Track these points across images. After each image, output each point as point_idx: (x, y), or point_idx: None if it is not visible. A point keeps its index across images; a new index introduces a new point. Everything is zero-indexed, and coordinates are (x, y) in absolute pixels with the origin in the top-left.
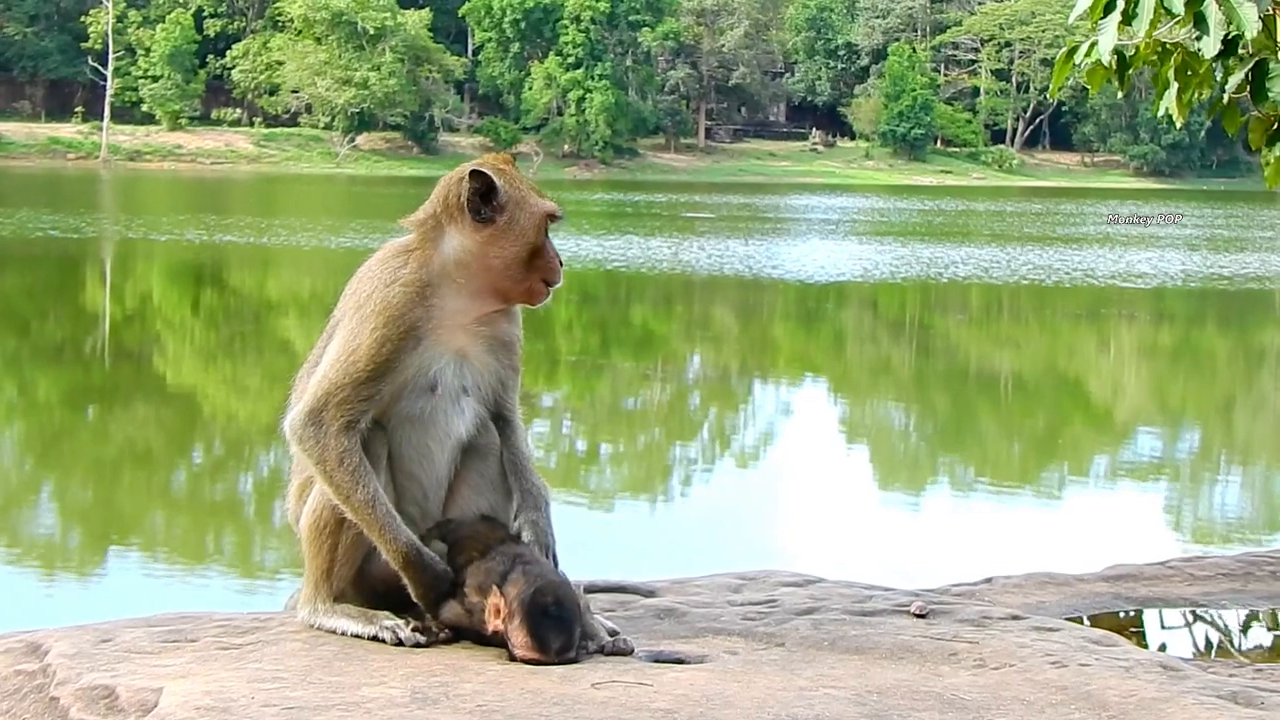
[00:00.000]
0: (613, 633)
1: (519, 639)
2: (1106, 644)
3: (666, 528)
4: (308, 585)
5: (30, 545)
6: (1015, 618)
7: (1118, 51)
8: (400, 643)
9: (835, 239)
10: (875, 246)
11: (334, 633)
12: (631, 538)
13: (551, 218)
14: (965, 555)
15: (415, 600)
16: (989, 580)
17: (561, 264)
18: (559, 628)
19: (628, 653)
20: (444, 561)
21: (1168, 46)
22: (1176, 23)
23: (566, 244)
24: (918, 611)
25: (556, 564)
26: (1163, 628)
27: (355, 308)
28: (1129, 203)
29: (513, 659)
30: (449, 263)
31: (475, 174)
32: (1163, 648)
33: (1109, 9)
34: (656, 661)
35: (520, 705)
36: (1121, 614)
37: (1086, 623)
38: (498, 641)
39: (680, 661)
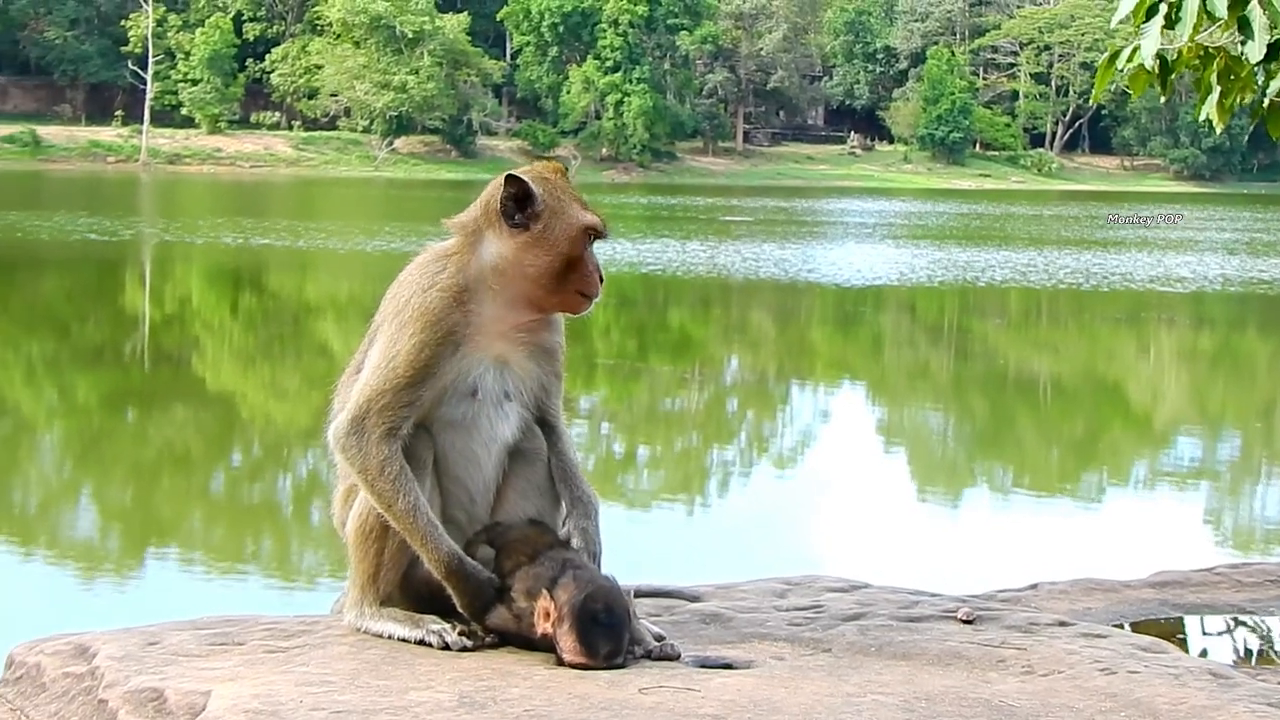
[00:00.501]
0: (659, 638)
1: (568, 644)
2: (1155, 651)
3: (707, 532)
4: (354, 589)
5: (71, 547)
6: (1063, 624)
7: (1160, 55)
8: (447, 647)
9: (873, 243)
10: (913, 250)
11: (380, 636)
12: (673, 542)
13: (593, 232)
14: (1009, 561)
15: (460, 609)
16: (1035, 586)
17: (601, 278)
18: (608, 634)
19: (674, 658)
20: (488, 569)
21: (1210, 50)
22: (1219, 26)
23: (603, 248)
24: (965, 617)
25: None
26: (1205, 634)
27: (394, 313)
28: (1159, 205)
29: (560, 663)
30: (487, 269)
31: (511, 179)
32: (1204, 654)
33: (1152, 13)
34: (703, 667)
35: (567, 710)
36: (1164, 620)
37: (1128, 629)
38: (544, 645)
39: (727, 667)
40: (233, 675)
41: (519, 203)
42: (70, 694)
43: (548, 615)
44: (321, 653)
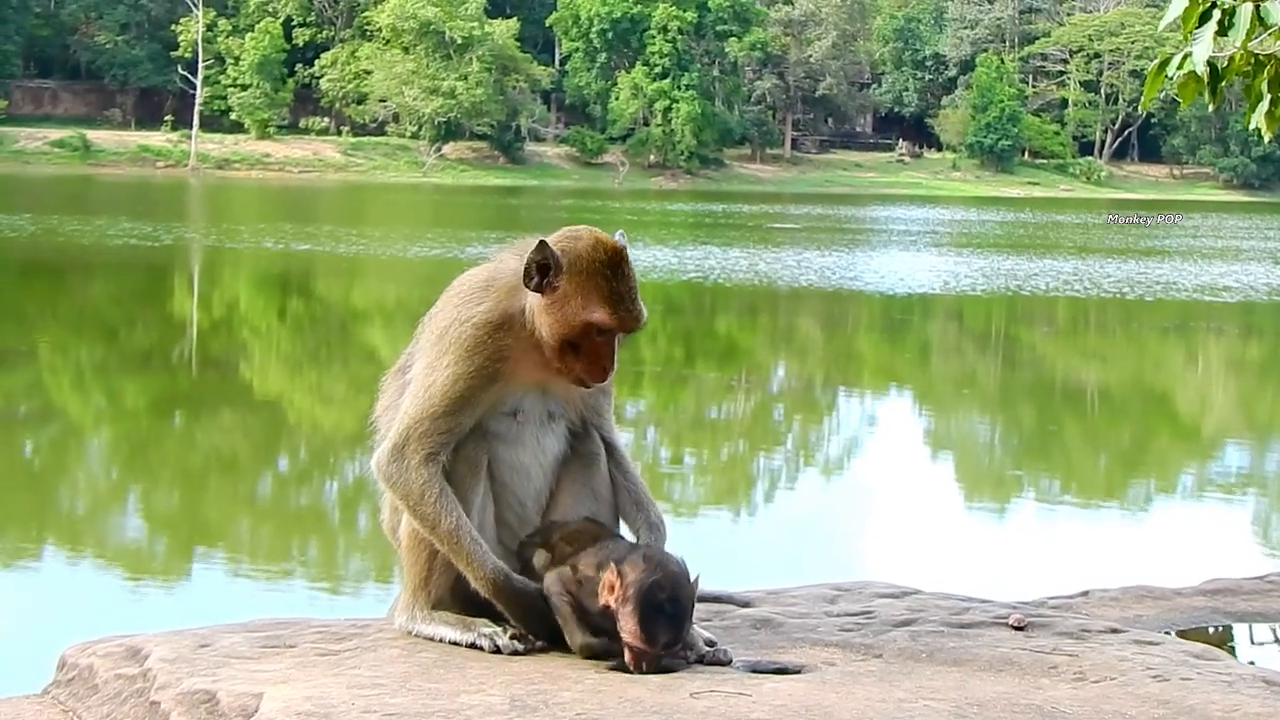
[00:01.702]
0: (710, 642)
1: (628, 625)
2: (1207, 658)
3: (756, 538)
4: (406, 592)
5: (121, 551)
6: (1115, 631)
7: (1210, 63)
8: (498, 650)
9: (920, 250)
10: (960, 258)
11: (432, 640)
12: (722, 548)
13: (600, 329)
14: (1059, 567)
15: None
16: (1086, 593)
17: (609, 367)
18: (670, 624)
19: (726, 663)
20: (539, 577)
21: (1261, 58)
22: (1270, 34)
23: (649, 255)
24: (1016, 624)
25: None
26: (1257, 642)
27: (436, 338)
28: (1206, 214)
29: (608, 657)
30: (522, 310)
31: (540, 245)
32: (1254, 662)
33: (1204, 19)
34: (754, 672)
35: (619, 714)
36: (1212, 629)
37: (1175, 636)
38: (596, 618)
39: (779, 672)
40: (285, 678)
41: (541, 269)
42: (122, 695)
43: (612, 589)
44: (373, 655)
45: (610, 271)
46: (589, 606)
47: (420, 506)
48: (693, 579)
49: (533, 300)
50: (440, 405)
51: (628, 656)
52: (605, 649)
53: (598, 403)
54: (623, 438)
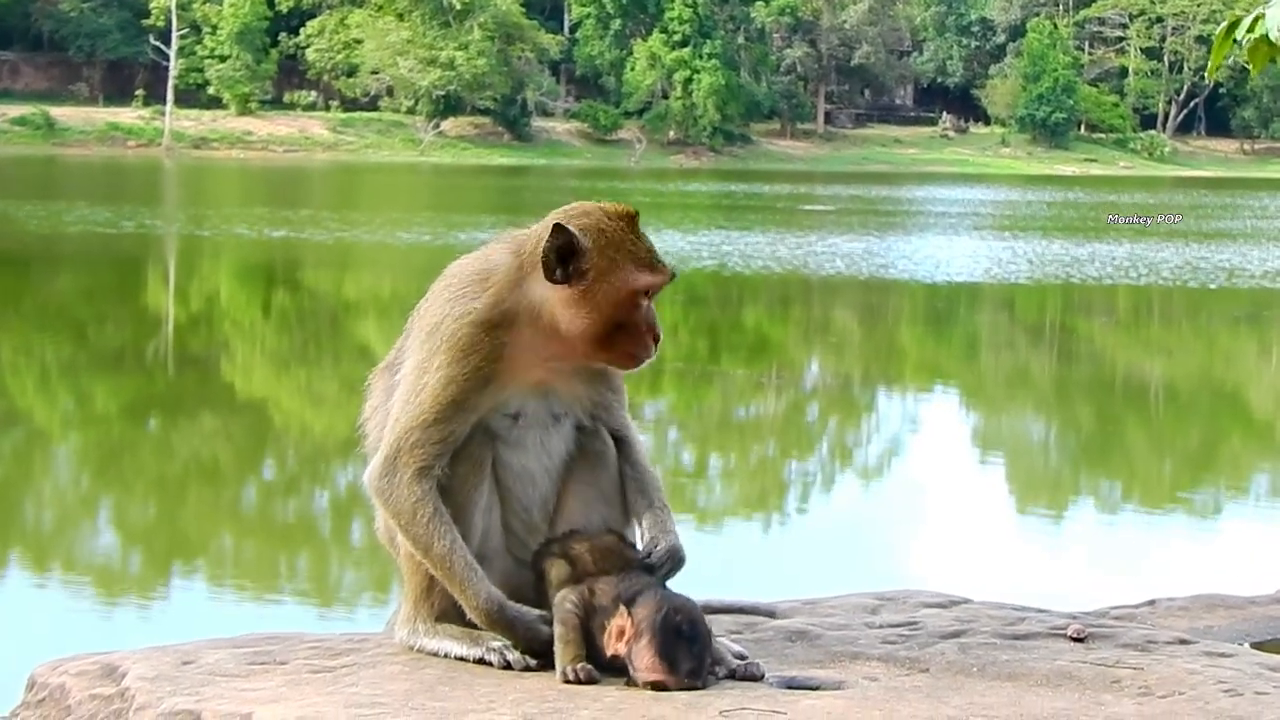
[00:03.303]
0: (740, 656)
1: (645, 660)
2: None
3: (790, 546)
4: (406, 604)
5: (92, 566)
6: (1183, 642)
7: None
8: (508, 665)
9: (966, 234)
10: (1010, 242)
11: (436, 655)
12: (753, 557)
13: (644, 292)
14: (1122, 576)
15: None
16: (1151, 602)
17: (658, 337)
18: (690, 650)
19: (758, 678)
20: (534, 609)
21: None
22: None
23: (669, 240)
24: (1075, 635)
25: None
26: None
27: (426, 334)
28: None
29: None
30: (527, 307)
31: (558, 229)
32: None
33: None
34: (789, 688)
35: None
36: None
37: (1249, 647)
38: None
39: (815, 688)
40: (275, 696)
41: (563, 255)
42: (97, 717)
43: (622, 634)
44: (372, 672)
45: (635, 234)
46: (593, 631)
47: (412, 527)
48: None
49: (551, 294)
50: (431, 412)
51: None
52: (590, 677)
53: (605, 399)
54: (641, 436)
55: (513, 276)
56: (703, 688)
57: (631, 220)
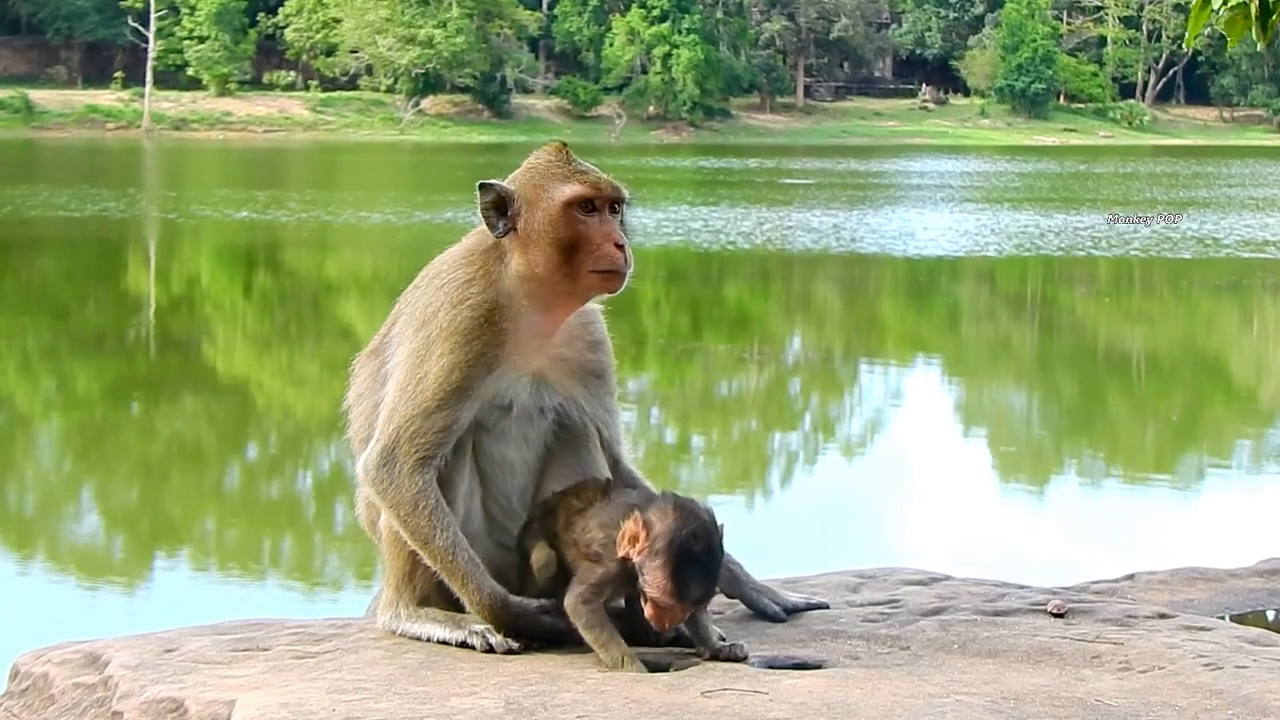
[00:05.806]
0: (723, 637)
1: (656, 579)
2: (1264, 644)
3: (770, 523)
4: (388, 589)
5: (75, 550)
6: (1163, 616)
7: None
8: (491, 649)
9: (947, 207)
10: (991, 214)
11: (419, 639)
12: (733, 533)
13: (581, 203)
14: (1102, 550)
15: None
16: (1131, 576)
17: (622, 244)
18: (703, 579)
19: (740, 659)
20: (535, 599)
21: None
22: None
23: (651, 216)
24: (1055, 610)
25: None
26: None
27: (421, 323)
28: (1260, 161)
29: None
30: (512, 279)
31: (481, 187)
32: None
33: None
34: (771, 668)
35: (623, 716)
36: (1271, 612)
37: (1228, 620)
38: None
39: (797, 667)
40: (258, 683)
41: (499, 208)
42: (81, 706)
43: (635, 540)
44: (354, 658)
45: (563, 161)
46: (572, 572)
47: (412, 519)
48: (720, 526)
49: (513, 253)
50: (434, 400)
51: (649, 611)
52: (655, 663)
53: (603, 413)
54: (626, 447)
55: (494, 254)
56: (703, 602)
57: (559, 150)
